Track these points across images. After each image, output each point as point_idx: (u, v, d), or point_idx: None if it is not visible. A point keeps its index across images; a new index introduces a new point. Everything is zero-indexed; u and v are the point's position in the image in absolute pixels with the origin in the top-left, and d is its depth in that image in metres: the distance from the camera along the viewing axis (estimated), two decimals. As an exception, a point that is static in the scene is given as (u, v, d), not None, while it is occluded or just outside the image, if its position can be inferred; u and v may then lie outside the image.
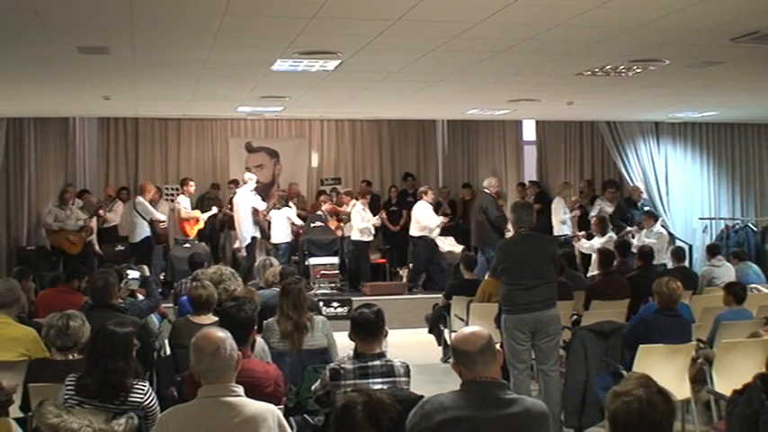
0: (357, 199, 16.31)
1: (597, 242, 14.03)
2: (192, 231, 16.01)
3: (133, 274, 8.87)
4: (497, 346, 4.42)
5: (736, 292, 8.94)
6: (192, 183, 16.35)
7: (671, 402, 3.43)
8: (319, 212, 16.35)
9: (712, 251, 12.69)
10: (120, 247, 15.47)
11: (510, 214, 9.10)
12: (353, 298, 14.07)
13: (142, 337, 7.19)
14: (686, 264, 13.00)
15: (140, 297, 9.10)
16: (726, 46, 8.44)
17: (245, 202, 15.75)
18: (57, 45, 8.31)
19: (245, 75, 10.35)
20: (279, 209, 15.98)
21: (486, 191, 15.58)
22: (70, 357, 5.96)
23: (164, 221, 15.83)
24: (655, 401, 3.35)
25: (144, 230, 15.25)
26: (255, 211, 15.87)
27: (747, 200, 16.70)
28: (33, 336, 6.82)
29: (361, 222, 15.70)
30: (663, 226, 15.18)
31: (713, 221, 16.43)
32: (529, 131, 18.28)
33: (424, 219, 15.55)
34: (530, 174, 18.24)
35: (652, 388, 3.39)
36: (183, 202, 15.97)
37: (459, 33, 7.86)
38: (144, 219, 15.24)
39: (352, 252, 16.27)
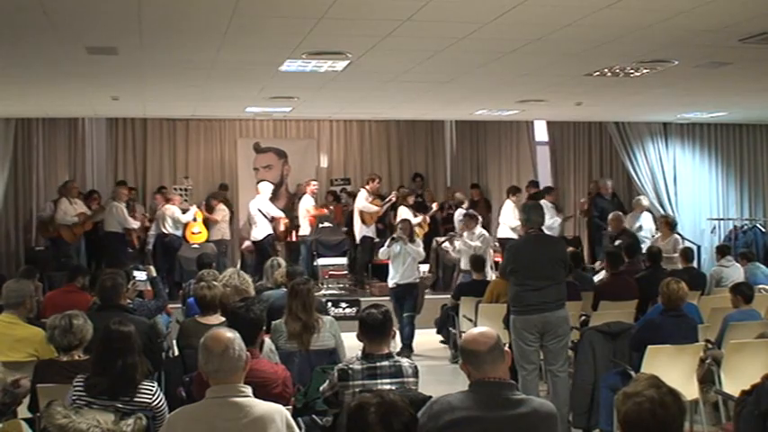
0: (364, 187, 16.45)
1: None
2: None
3: (140, 275, 8.90)
4: (505, 347, 4.42)
5: (742, 291, 8.92)
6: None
7: (682, 403, 3.43)
8: (327, 213, 16.37)
9: (722, 252, 12.68)
10: (130, 250, 15.57)
11: (520, 215, 9.09)
12: (361, 299, 14.06)
13: (150, 337, 7.22)
14: (695, 264, 12.97)
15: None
16: (734, 47, 8.43)
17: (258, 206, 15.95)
18: (65, 46, 8.33)
19: (254, 75, 10.36)
20: None
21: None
22: (76, 357, 5.98)
23: (285, 218, 16.44)
24: (666, 402, 3.35)
25: (266, 228, 15.79)
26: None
27: (756, 201, 16.68)
28: (42, 336, 6.78)
29: (514, 220, 15.36)
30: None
31: (722, 222, 16.41)
32: (539, 132, 18.25)
33: None
34: (537, 174, 18.20)
35: (663, 388, 3.40)
36: (310, 202, 16.13)
37: (468, 34, 7.86)
38: (266, 217, 15.77)
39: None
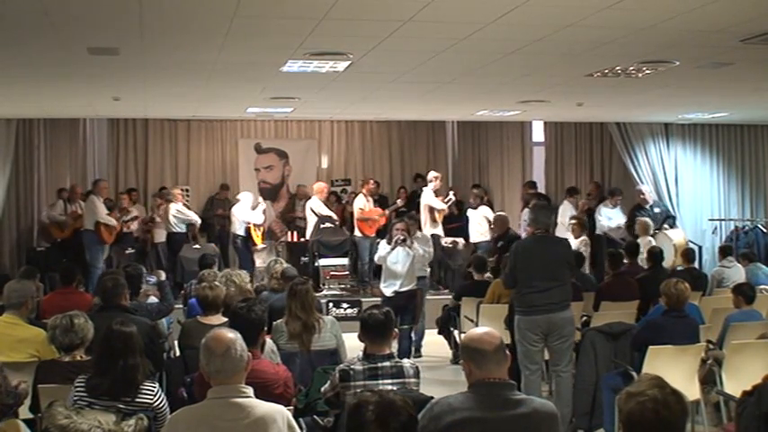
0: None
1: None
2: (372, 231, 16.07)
3: (151, 279, 8.95)
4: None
5: (744, 291, 8.95)
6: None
7: (684, 403, 3.44)
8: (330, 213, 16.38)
9: (724, 252, 12.68)
10: (130, 250, 15.54)
11: (527, 215, 9.07)
12: (363, 299, 14.04)
13: (152, 337, 7.23)
14: (695, 265, 12.95)
15: (154, 299, 9.15)
16: (736, 47, 8.42)
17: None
18: (67, 46, 8.33)
19: (255, 76, 10.35)
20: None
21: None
22: (78, 358, 5.99)
23: (337, 219, 16.39)
24: (669, 402, 3.36)
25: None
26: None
27: (757, 201, 16.66)
28: (43, 337, 6.78)
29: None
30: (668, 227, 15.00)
31: (723, 223, 16.39)
32: (538, 133, 18.23)
33: None
34: (538, 176, 18.17)
35: (666, 389, 3.40)
36: (361, 203, 16.12)
37: (470, 34, 7.85)
38: (317, 216, 15.79)
39: None
